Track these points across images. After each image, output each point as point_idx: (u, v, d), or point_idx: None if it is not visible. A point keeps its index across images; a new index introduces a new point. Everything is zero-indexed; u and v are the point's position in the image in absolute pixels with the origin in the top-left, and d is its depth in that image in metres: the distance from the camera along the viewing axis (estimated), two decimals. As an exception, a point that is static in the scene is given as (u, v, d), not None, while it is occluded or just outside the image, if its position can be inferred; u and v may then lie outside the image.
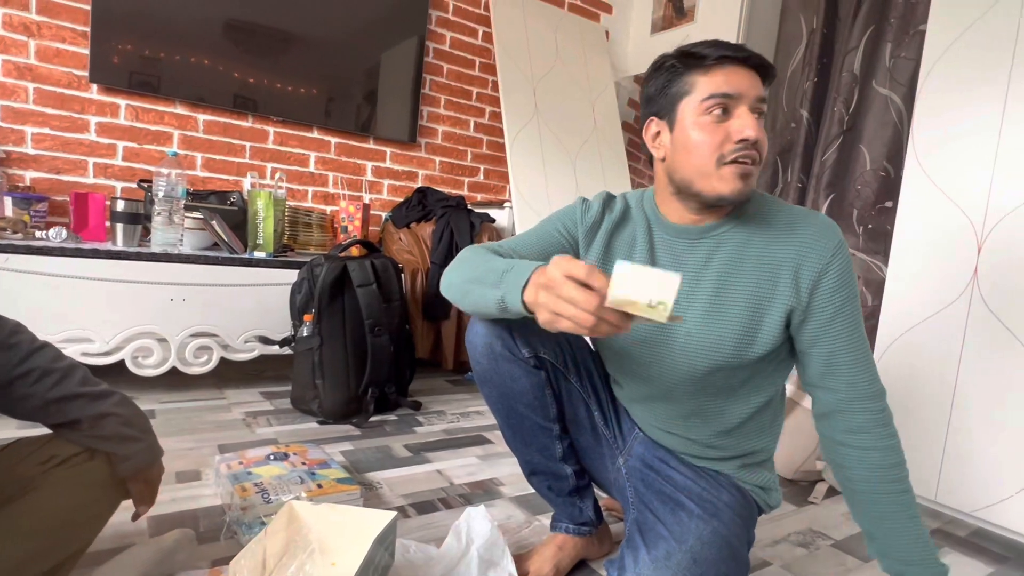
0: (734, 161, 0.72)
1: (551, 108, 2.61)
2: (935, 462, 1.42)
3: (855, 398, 0.76)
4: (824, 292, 0.75)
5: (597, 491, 1.05)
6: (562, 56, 2.74)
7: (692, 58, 0.74)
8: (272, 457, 1.21)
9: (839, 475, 0.81)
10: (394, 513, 0.87)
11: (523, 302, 0.64)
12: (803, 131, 2.20)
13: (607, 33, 3.06)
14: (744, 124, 0.71)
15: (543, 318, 0.60)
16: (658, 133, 0.80)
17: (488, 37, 2.71)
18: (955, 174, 1.40)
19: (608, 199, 0.89)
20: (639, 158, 3.12)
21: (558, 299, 0.58)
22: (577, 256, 0.88)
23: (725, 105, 0.72)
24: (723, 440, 0.87)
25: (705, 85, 0.73)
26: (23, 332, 0.70)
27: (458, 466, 1.45)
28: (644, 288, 0.53)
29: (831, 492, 1.49)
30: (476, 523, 0.96)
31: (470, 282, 0.75)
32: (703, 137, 0.73)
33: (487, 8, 2.67)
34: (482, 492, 1.32)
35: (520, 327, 0.86)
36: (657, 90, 0.78)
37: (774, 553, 1.17)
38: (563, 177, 2.55)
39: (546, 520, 1.20)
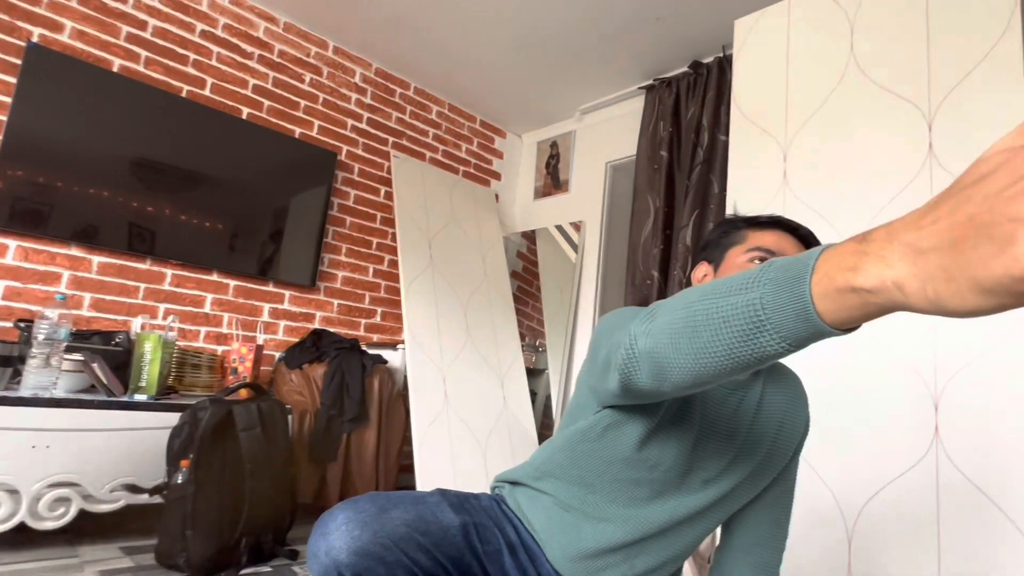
0: None
1: (445, 259, 2.89)
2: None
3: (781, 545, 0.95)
4: (803, 440, 0.94)
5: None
6: (456, 214, 3.09)
7: (750, 219, 0.88)
8: (127, 617, 1.17)
9: None
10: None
11: (812, 295, 0.40)
12: (655, 288, 2.60)
13: (496, 196, 3.51)
14: None
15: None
16: (704, 276, 0.91)
17: (390, 195, 3.03)
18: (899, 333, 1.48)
19: None
20: (527, 303, 3.45)
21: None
22: None
23: (765, 258, 0.80)
24: (669, 567, 0.92)
25: (754, 239, 0.85)
26: None
27: (330, 617, 1.43)
28: None
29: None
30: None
31: (694, 304, 0.52)
32: None
33: (389, 172, 3.02)
34: (352, 643, 1.31)
35: (366, 555, 0.76)
36: (714, 238, 0.90)
37: None
38: (454, 321, 2.77)
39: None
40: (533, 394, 3.04)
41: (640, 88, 2.93)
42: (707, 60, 2.64)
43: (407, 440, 2.40)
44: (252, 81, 2.58)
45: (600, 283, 3.10)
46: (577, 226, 3.22)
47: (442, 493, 0.94)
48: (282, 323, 2.63)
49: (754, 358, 0.47)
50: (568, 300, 3.16)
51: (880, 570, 1.46)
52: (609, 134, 3.18)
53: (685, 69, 2.72)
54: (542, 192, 3.50)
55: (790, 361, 1.62)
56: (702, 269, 0.92)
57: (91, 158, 2.14)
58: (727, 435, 0.86)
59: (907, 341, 1.51)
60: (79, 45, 2.16)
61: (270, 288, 2.60)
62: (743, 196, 1.95)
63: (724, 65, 2.52)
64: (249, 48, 2.58)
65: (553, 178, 3.45)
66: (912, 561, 1.41)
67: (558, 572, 0.91)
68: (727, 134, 2.33)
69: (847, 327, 0.40)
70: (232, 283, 2.48)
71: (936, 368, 1.45)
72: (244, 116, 2.55)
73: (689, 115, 2.67)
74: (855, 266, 0.37)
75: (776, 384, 0.91)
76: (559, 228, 3.31)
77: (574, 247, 3.21)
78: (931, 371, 1.45)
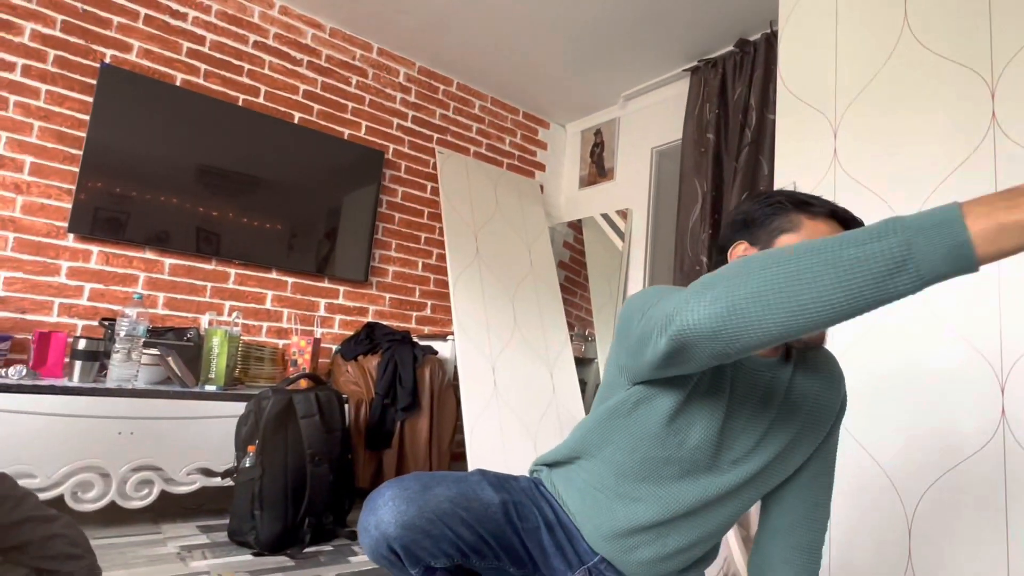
0: None
1: (491, 251, 2.94)
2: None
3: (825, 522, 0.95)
4: (838, 419, 0.94)
5: None
6: (501, 207, 3.13)
7: (802, 203, 0.83)
8: (203, 587, 1.27)
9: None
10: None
11: (970, 239, 0.48)
12: (705, 273, 2.56)
13: (541, 187, 3.52)
14: None
15: None
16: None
17: (436, 191, 3.10)
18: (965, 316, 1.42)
19: None
20: (575, 292, 3.45)
21: None
22: None
23: None
24: (702, 545, 0.94)
25: (809, 228, 0.81)
26: None
27: (387, 594, 1.51)
28: None
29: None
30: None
31: (792, 262, 0.56)
32: None
33: (435, 168, 3.09)
34: (407, 618, 1.38)
35: (413, 528, 0.82)
36: (759, 218, 0.85)
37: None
38: (502, 311, 2.82)
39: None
40: (583, 383, 3.05)
41: (684, 70, 2.87)
42: (753, 37, 2.56)
43: (459, 428, 2.47)
44: (302, 87, 2.70)
45: (648, 270, 3.06)
46: (624, 214, 3.20)
47: (482, 473, 0.98)
48: (338, 317, 2.75)
49: (875, 299, 0.52)
50: (616, 289, 3.15)
51: (944, 558, 1.40)
52: (653, 119, 3.13)
53: (731, 48, 2.64)
54: (587, 181, 3.49)
55: (840, 344, 1.57)
56: (741, 249, 0.88)
57: (160, 168, 2.31)
58: (757, 412, 0.86)
59: (969, 320, 1.43)
60: (146, 63, 2.32)
61: (325, 284, 2.72)
62: (792, 176, 1.89)
63: (772, 41, 2.43)
64: (298, 55, 2.70)
65: (598, 166, 3.43)
66: (979, 550, 1.35)
67: (594, 550, 0.94)
68: (776, 113, 2.25)
69: (988, 262, 0.48)
70: (290, 280, 2.62)
71: (1002, 348, 1.36)
72: (296, 121, 2.67)
73: (736, 95, 2.60)
74: (1017, 206, 0.46)
75: (809, 362, 0.90)
76: (605, 216, 3.29)
77: (621, 235, 3.18)
78: (996, 352, 1.37)
